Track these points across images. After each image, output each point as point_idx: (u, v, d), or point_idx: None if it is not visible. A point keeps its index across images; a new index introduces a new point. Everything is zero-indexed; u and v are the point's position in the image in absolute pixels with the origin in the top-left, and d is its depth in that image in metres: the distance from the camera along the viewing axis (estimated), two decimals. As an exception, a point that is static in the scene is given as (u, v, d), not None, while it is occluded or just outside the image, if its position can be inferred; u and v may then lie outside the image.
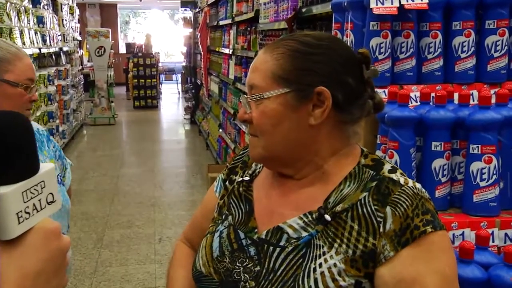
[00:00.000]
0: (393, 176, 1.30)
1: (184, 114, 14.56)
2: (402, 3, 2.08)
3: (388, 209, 1.23)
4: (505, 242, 1.87)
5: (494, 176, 1.87)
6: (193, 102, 13.86)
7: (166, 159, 9.95)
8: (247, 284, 1.31)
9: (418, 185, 1.30)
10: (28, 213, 0.81)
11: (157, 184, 7.92)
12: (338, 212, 1.28)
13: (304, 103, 1.30)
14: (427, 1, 2.09)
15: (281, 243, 1.31)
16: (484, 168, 1.86)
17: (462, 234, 1.83)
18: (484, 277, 1.60)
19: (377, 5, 2.07)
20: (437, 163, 1.92)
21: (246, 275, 1.32)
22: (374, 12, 2.08)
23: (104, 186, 7.76)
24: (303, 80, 1.30)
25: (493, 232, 1.85)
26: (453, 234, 1.83)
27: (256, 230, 1.38)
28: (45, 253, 0.83)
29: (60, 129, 9.77)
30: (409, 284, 1.19)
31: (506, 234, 1.88)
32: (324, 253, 1.25)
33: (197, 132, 12.03)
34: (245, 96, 1.36)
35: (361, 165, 1.34)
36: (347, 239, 1.25)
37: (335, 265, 1.23)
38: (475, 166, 1.87)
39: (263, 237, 1.35)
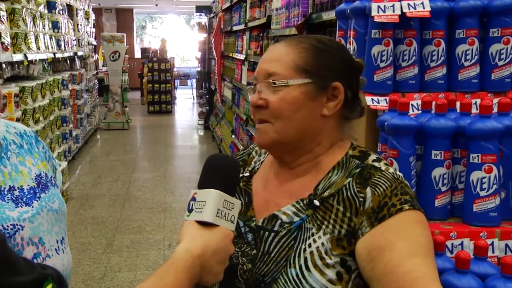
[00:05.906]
0: (376, 164, 1.42)
1: (198, 120, 14.58)
2: (404, 11, 2.07)
3: (368, 189, 1.35)
4: (505, 253, 1.84)
5: (495, 186, 1.85)
6: (207, 107, 13.87)
7: (179, 165, 9.97)
8: (244, 266, 1.44)
9: (400, 174, 1.41)
10: (221, 214, 1.22)
11: (169, 189, 7.94)
12: (326, 197, 1.40)
13: (321, 95, 1.45)
14: (429, 9, 2.08)
15: (275, 228, 1.44)
16: (484, 177, 1.84)
17: (461, 244, 1.81)
18: (480, 288, 1.57)
19: (378, 13, 2.06)
20: (437, 172, 1.90)
21: (243, 258, 1.45)
22: (375, 20, 2.07)
23: (116, 191, 7.80)
24: (323, 74, 1.44)
25: (493, 242, 1.82)
26: (452, 244, 1.80)
27: (253, 219, 1.51)
28: (222, 244, 1.20)
29: (74, 133, 9.82)
30: (379, 251, 1.24)
31: (506, 245, 1.85)
32: (313, 234, 1.37)
33: (211, 137, 12.04)
34: (270, 80, 1.45)
35: (348, 156, 1.47)
36: (333, 220, 1.36)
37: (322, 244, 1.34)
38: (475, 175, 1.85)
39: (260, 224, 1.47)
